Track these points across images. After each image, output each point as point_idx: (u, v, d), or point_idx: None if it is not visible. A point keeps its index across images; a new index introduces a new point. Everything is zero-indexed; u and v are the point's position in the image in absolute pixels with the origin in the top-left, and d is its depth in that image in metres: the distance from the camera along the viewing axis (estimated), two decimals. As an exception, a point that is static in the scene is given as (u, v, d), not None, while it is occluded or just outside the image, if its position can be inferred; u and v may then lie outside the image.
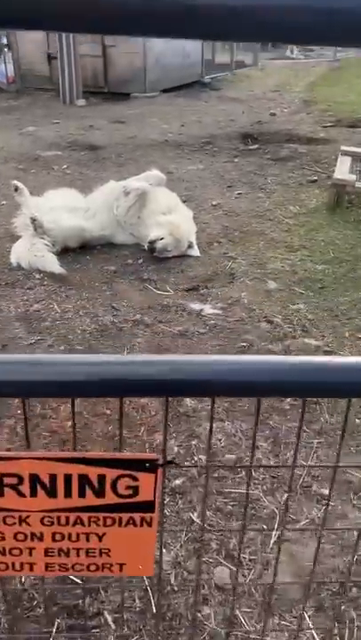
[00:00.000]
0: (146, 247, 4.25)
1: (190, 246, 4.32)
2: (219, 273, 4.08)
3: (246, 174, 6.20)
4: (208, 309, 3.58)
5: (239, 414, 2.76)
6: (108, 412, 2.71)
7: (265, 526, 2.19)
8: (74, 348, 3.15)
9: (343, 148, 6.01)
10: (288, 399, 2.87)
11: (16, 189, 4.35)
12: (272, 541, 2.14)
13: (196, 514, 2.24)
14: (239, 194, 5.62)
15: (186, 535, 2.16)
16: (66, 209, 4.47)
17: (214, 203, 5.36)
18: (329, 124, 8.36)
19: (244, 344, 3.24)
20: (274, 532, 2.16)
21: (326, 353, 3.24)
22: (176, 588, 1.98)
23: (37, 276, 3.96)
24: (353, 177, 5.10)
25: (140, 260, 4.27)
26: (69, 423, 2.63)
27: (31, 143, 7.53)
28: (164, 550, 2.09)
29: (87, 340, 3.23)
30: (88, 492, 0.91)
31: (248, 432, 2.65)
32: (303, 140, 7.49)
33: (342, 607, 1.92)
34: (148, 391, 0.78)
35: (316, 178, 5.94)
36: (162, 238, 4.19)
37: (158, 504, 0.93)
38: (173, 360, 0.79)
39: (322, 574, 2.02)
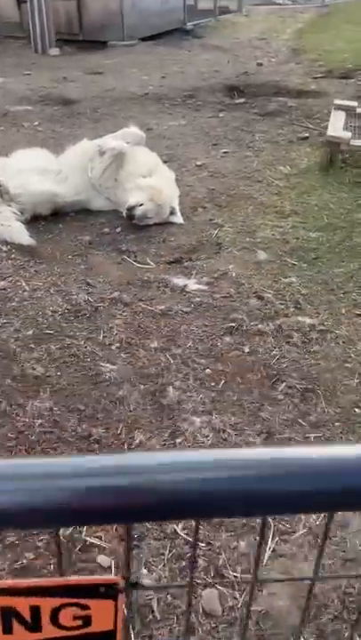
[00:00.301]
0: (124, 214, 3.88)
1: (173, 212, 3.95)
2: (204, 242, 3.74)
3: (232, 131, 5.76)
4: (193, 285, 3.26)
5: (228, 405, 2.50)
6: (82, 407, 2.42)
7: (257, 538, 1.95)
8: (43, 332, 2.83)
9: (336, 101, 5.57)
10: (282, 386, 2.61)
11: (-22, 150, 3.92)
12: (267, 556, 1.91)
13: (180, 526, 2.00)
14: (225, 152, 5.20)
15: (170, 552, 1.92)
16: (35, 171, 4.06)
17: (198, 163, 4.96)
18: (320, 75, 7.83)
19: (233, 324, 2.95)
20: (268, 546, 1.93)
21: (321, 332, 2.98)
22: (159, 617, 1.75)
23: (4, 248, 3.59)
24: (348, 134, 4.70)
25: (118, 229, 3.90)
26: (39, 421, 2.35)
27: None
28: (145, 571, 1.86)
29: (58, 322, 2.91)
30: (17, 626, 0.62)
31: (238, 426, 2.39)
32: (293, 92, 6.99)
33: (346, 634, 1.72)
34: (97, 518, 0.49)
35: (307, 135, 5.51)
36: (142, 204, 3.82)
37: (121, 630, 0.65)
38: (132, 464, 0.49)
39: (323, 595, 1.81)
